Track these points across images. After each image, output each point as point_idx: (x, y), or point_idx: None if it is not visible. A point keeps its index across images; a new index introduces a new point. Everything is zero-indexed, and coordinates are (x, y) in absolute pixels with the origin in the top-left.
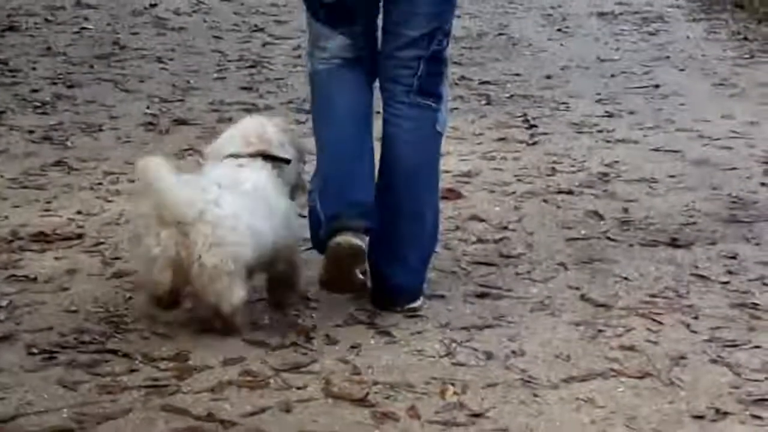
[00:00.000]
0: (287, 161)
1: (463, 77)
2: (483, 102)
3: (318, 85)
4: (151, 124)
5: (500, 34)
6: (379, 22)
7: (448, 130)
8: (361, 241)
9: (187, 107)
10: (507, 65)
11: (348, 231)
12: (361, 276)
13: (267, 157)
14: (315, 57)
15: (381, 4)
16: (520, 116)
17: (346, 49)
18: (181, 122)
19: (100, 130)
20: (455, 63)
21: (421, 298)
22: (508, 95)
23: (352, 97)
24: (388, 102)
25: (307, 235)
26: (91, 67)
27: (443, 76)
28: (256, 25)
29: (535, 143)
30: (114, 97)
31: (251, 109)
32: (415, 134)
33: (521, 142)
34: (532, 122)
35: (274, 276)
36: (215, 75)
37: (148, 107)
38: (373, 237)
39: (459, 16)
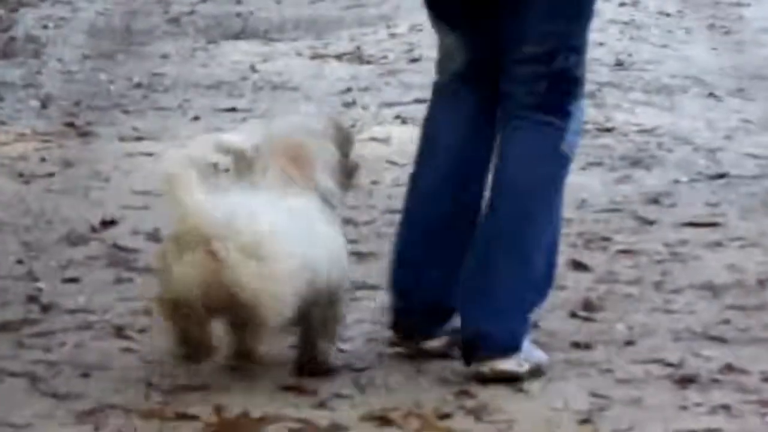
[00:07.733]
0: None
1: (730, 367)
2: None
3: (428, 108)
4: None
5: None
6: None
7: None
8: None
9: None
10: None
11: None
12: None
13: None
14: (438, 66)
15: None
16: None
17: (462, 49)
18: None
19: None
20: (714, 339)
21: (521, 361)
22: None
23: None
24: (504, 117)
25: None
26: None
27: (573, 95)
28: None
29: None
30: (30, 408)
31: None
32: (532, 153)
33: None
34: None
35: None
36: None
37: (97, 429)
38: (463, 270)
39: (721, 244)
